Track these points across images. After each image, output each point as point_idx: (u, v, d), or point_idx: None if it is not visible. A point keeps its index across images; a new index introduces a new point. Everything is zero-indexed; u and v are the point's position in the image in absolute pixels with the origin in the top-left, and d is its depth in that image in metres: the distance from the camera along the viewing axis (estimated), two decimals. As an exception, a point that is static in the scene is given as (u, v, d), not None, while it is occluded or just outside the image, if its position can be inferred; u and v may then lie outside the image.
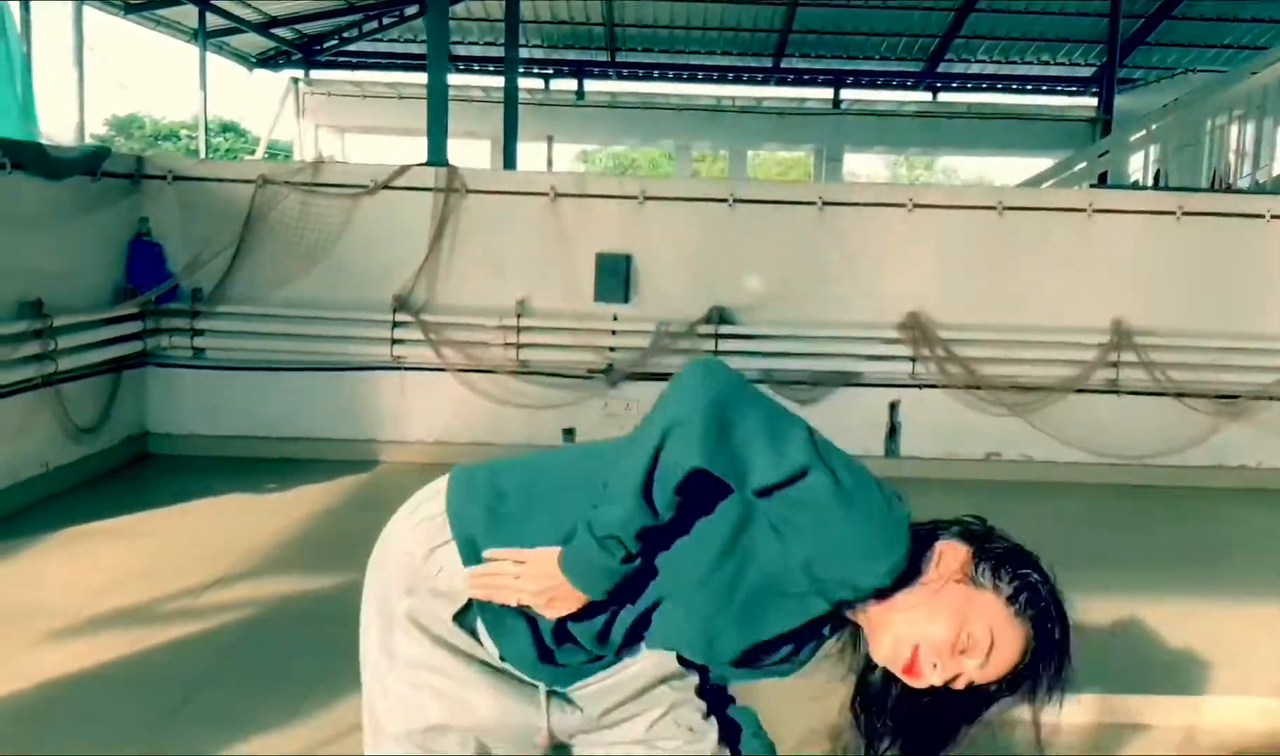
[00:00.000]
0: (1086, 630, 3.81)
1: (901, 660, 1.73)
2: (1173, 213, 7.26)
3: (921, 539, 1.77)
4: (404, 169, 7.37)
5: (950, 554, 1.78)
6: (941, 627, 1.71)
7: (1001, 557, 1.78)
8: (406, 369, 7.34)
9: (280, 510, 6.14)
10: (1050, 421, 7.34)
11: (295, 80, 18.46)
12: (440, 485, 1.91)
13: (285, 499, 6.38)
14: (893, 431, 7.47)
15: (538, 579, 1.74)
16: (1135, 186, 16.19)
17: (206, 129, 14.72)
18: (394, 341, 7.29)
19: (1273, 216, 7.26)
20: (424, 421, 7.40)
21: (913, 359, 7.32)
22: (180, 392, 7.29)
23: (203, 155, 14.14)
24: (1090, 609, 4.50)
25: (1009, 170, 26.46)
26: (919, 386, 7.38)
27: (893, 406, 7.44)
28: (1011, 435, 7.39)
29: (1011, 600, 1.72)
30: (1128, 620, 4.76)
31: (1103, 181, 12.27)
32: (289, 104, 18.28)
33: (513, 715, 1.86)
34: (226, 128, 38.06)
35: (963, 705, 1.80)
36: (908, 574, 1.73)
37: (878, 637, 1.77)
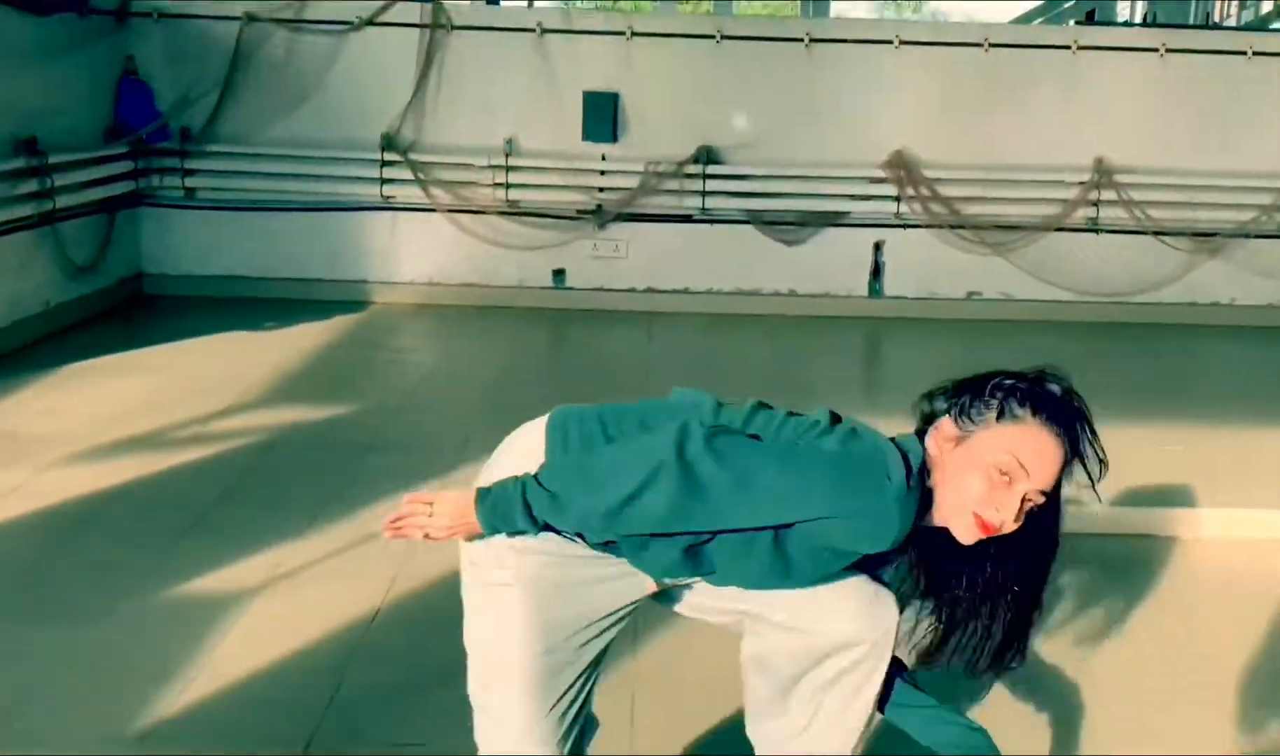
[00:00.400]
0: (1109, 434, 4.06)
1: (973, 530, 1.84)
2: (1156, 50, 7.30)
3: (916, 455, 1.87)
4: (390, 4, 7.31)
5: (935, 437, 1.88)
6: (974, 481, 1.81)
7: (970, 394, 1.88)
8: (396, 209, 7.41)
9: (279, 346, 6.28)
10: (1030, 260, 7.49)
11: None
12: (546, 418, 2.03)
13: (283, 336, 6.51)
14: (877, 271, 7.61)
15: (448, 515, 1.90)
16: (1125, 25, 16.09)
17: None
18: (383, 181, 7.34)
19: (1255, 53, 7.31)
20: (415, 262, 7.50)
21: (897, 198, 7.42)
22: (173, 233, 7.36)
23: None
24: (1107, 429, 4.76)
25: (999, 11, 26.06)
26: (903, 226, 7.50)
27: (877, 246, 7.57)
28: (992, 274, 7.55)
29: (1001, 416, 1.83)
30: (1124, 437, 4.98)
31: (1090, 19, 12.19)
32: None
33: (623, 591, 2.01)
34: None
35: (1037, 533, 1.89)
36: (925, 482, 1.86)
37: (952, 528, 1.87)
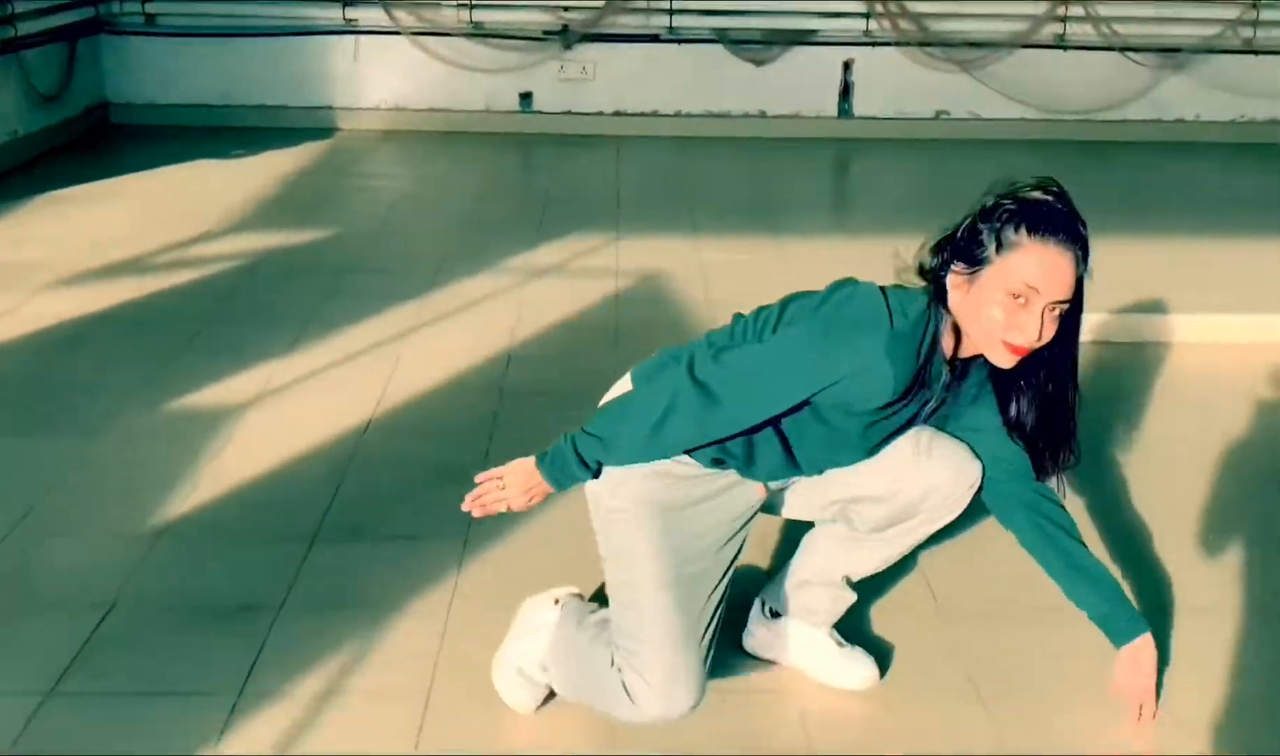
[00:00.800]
0: None
1: (1007, 355, 1.92)
2: None
3: (914, 300, 1.97)
4: None
5: (951, 287, 1.95)
6: (993, 313, 1.89)
7: (966, 235, 1.93)
8: (360, 32, 7.32)
9: (248, 173, 6.29)
10: (998, 78, 7.52)
11: None
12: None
13: (252, 163, 6.51)
14: (846, 91, 7.62)
15: (518, 485, 2.07)
16: None
17: None
18: (345, 3, 7.24)
19: None
20: (379, 87, 7.44)
21: (867, 15, 7.39)
22: (136, 60, 7.27)
23: None
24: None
25: None
26: (872, 44, 7.48)
27: (846, 65, 7.56)
28: (960, 92, 7.57)
29: (1000, 247, 1.89)
30: (1102, 249, 5.13)
31: None
32: None
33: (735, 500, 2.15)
34: None
35: (1064, 332, 1.96)
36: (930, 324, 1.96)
37: (991, 359, 1.96)
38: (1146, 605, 2.55)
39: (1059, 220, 1.89)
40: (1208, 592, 2.69)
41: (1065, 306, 1.91)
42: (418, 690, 2.26)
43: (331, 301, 4.39)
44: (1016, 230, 1.88)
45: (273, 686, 2.26)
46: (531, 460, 2.07)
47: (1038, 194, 1.92)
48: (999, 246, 1.89)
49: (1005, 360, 1.94)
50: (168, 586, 2.62)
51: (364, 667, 2.33)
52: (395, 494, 3.04)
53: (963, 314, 1.95)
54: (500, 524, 2.72)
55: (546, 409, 3.49)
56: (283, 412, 3.48)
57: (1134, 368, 4.04)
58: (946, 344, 1.98)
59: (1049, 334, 1.91)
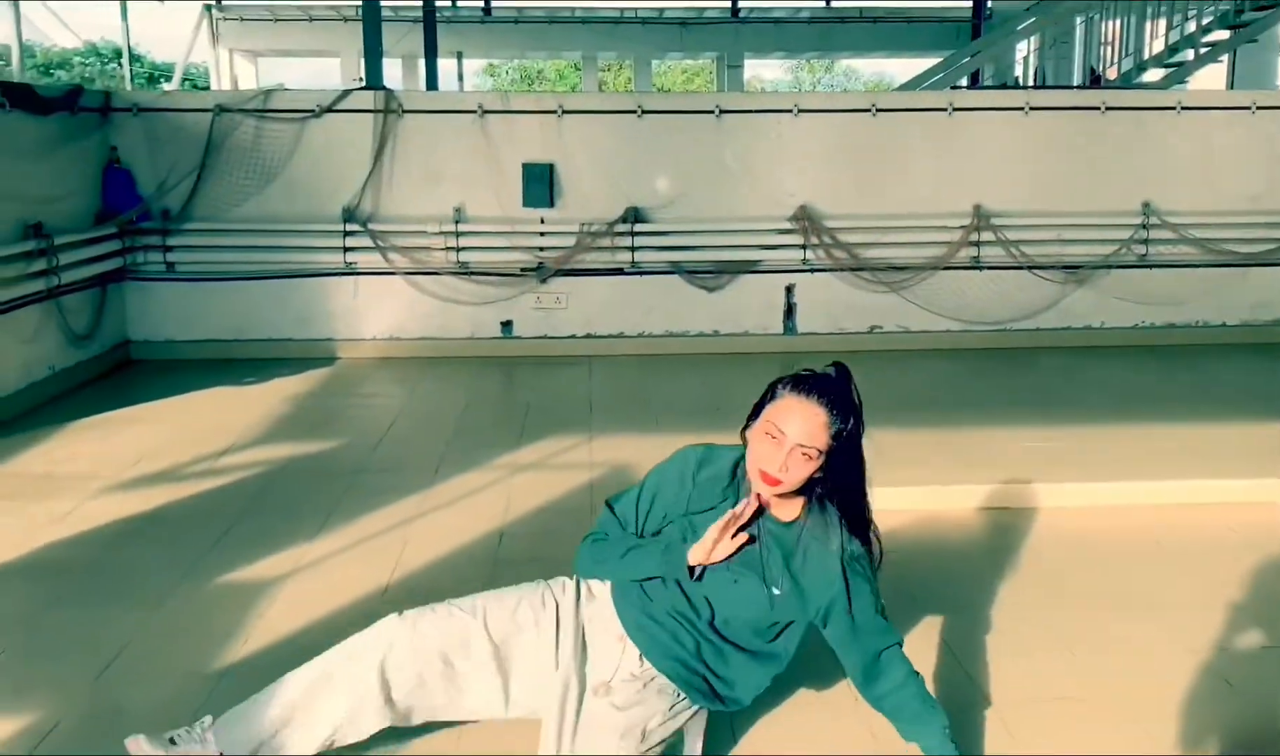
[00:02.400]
0: (962, 448, 5.08)
1: (760, 483, 2.58)
2: (1021, 108, 8.40)
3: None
4: (346, 93, 8.22)
5: (748, 438, 2.65)
6: (756, 448, 2.59)
7: (762, 399, 2.66)
8: (358, 273, 8.25)
9: (262, 397, 7.07)
10: (923, 296, 8.49)
11: (208, 7, 18.80)
12: None
13: (264, 389, 7.30)
14: (789, 311, 8.56)
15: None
16: (1016, 83, 17.44)
17: (132, 56, 15.15)
18: (346, 249, 8.18)
19: (1108, 108, 8.42)
20: (377, 320, 8.33)
21: (804, 246, 8.39)
22: (156, 303, 8.13)
23: (128, 86, 14.63)
24: (966, 436, 5.73)
25: (905, 69, 27.51)
26: (810, 270, 8.46)
27: (789, 289, 8.52)
28: (891, 309, 8.53)
29: (771, 400, 2.59)
30: (994, 441, 5.95)
31: (974, 81, 13.39)
32: (203, 30, 18.66)
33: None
34: (120, 53, 37.76)
35: (837, 470, 2.59)
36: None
37: (755, 485, 2.62)
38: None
39: (818, 383, 2.55)
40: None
41: (813, 449, 2.50)
42: (443, 767, 2.91)
43: (347, 497, 5.12)
44: (783, 388, 2.58)
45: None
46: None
47: (818, 369, 2.57)
48: (771, 399, 2.60)
49: (761, 488, 2.59)
50: (232, 707, 3.25)
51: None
52: (413, 639, 3.70)
53: (748, 459, 2.64)
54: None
55: (535, 572, 4.18)
56: (314, 583, 4.17)
57: (1023, 529, 4.79)
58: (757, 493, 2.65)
59: (794, 469, 2.51)
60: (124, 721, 3.19)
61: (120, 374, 7.79)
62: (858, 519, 2.71)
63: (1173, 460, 5.54)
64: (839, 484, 2.63)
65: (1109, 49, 13.58)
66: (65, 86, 7.38)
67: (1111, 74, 13.12)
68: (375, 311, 8.32)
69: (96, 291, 7.61)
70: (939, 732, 2.62)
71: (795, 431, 2.52)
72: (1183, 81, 11.27)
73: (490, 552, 4.48)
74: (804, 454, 2.51)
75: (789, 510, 2.69)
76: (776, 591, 2.65)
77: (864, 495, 2.70)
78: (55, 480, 5.43)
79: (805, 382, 2.57)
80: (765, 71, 48.28)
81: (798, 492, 2.65)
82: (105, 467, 5.58)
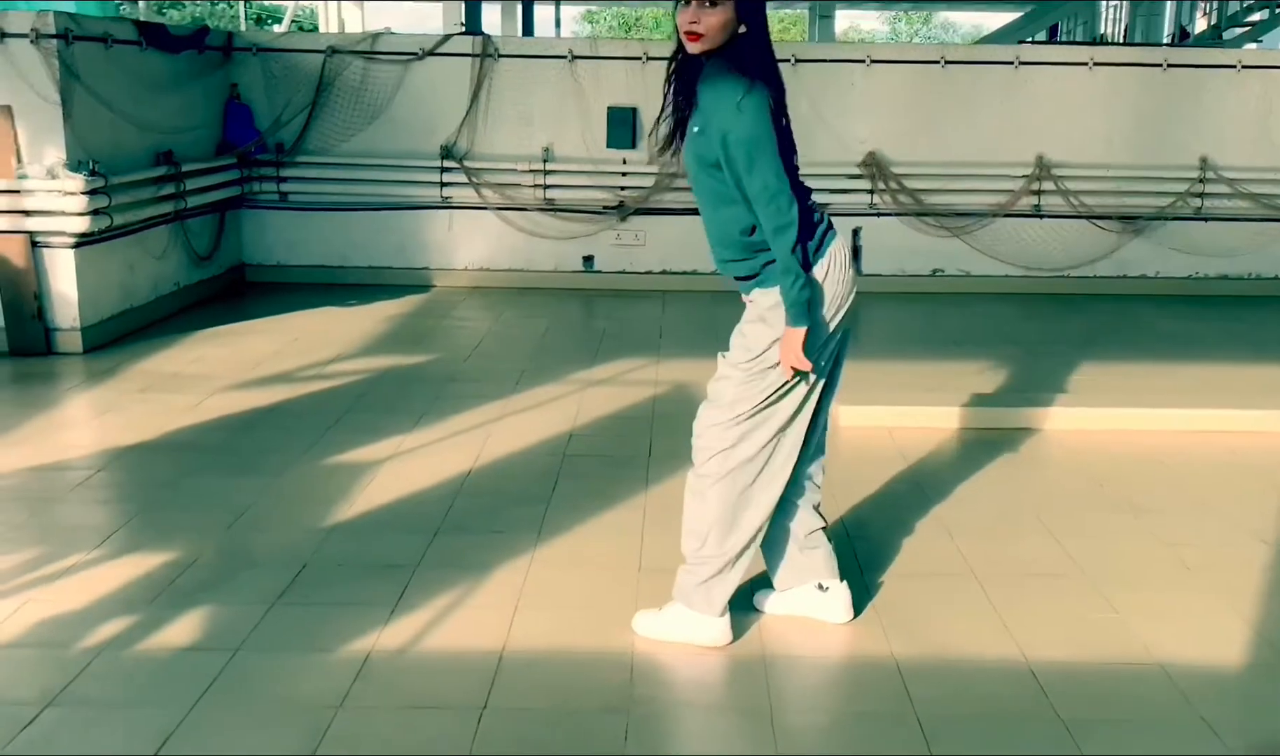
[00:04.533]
0: (1003, 376, 5.61)
1: (688, 44, 3.02)
2: (1085, 63, 8.73)
3: None
4: (447, 38, 8.85)
5: None
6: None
7: None
8: (453, 207, 8.90)
9: (364, 317, 7.79)
10: (984, 241, 8.91)
11: (318, -49, 19.55)
12: None
13: (367, 310, 8.01)
14: (856, 252, 8.94)
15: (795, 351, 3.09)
16: (1103, 38, 17.47)
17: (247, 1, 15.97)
18: (442, 184, 8.84)
19: (1170, 65, 8.72)
20: (468, 251, 9.00)
21: (871, 191, 8.85)
22: (269, 229, 8.89)
23: (242, 25, 15.45)
24: (1023, 365, 6.21)
25: (1002, 21, 27.37)
26: (877, 214, 8.91)
27: (855, 232, 8.94)
28: (953, 254, 8.97)
29: None
30: (1044, 368, 6.43)
31: (1053, 34, 13.58)
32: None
33: None
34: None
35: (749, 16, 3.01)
36: None
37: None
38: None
39: None
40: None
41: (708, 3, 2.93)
42: (504, 610, 3.55)
43: (439, 400, 5.79)
44: None
45: (413, 605, 3.55)
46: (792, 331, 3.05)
47: None
48: None
49: (689, 47, 3.02)
50: (341, 554, 3.94)
51: (469, 599, 3.62)
52: (489, 509, 4.36)
53: None
54: (562, 520, 4.06)
55: (597, 466, 4.85)
56: (410, 466, 4.83)
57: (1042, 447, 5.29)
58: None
59: (705, 19, 2.94)
60: (251, 560, 3.89)
61: (235, 293, 8.57)
62: (767, 63, 3.09)
63: (1195, 394, 5.97)
64: (751, 40, 3.05)
65: (1199, 8, 13.67)
66: (193, 26, 8.09)
67: (1200, 30, 13.21)
68: (467, 243, 8.97)
69: (216, 217, 8.37)
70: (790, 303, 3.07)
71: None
72: (1259, 39, 11.40)
73: (560, 448, 5.10)
74: (703, 5, 2.96)
75: None
76: (696, 128, 3.11)
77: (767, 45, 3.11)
78: (184, 378, 6.19)
79: None
80: (864, 22, 48.05)
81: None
82: (227, 369, 6.33)
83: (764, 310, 3.18)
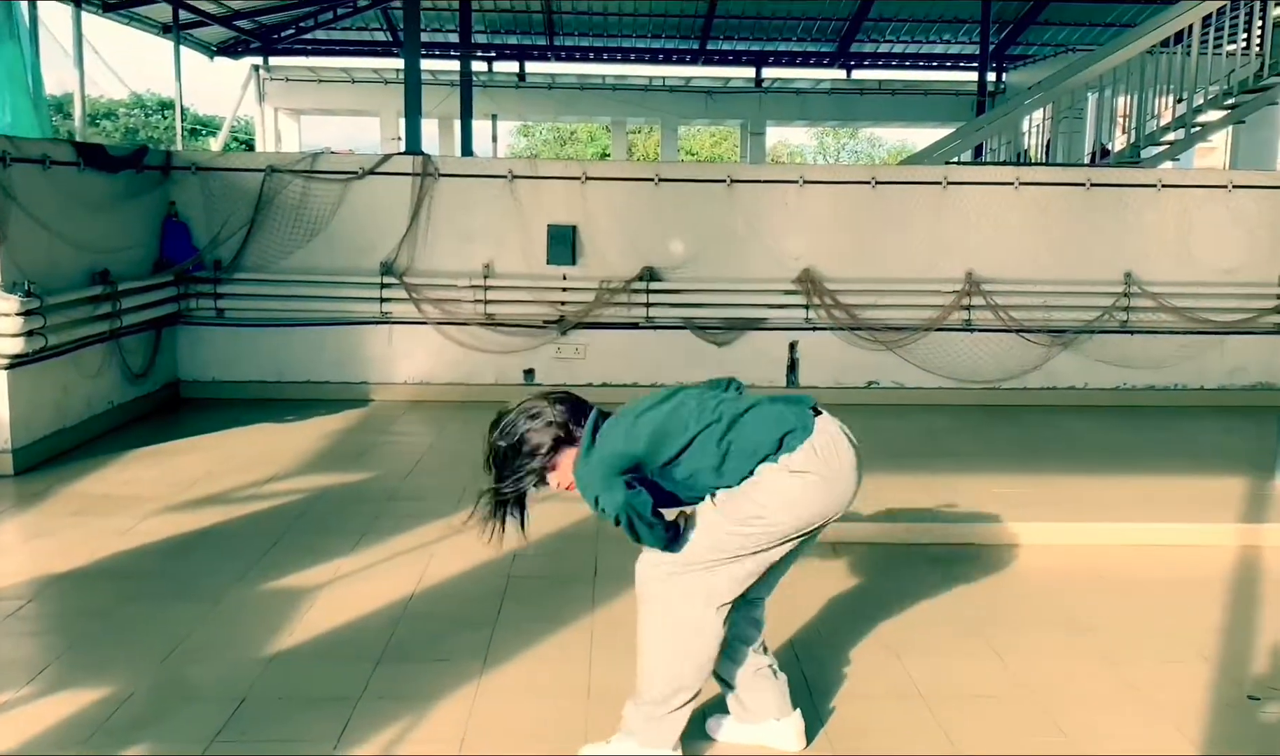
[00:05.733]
0: (944, 490, 5.67)
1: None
2: (1011, 183, 9.03)
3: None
4: (387, 157, 8.94)
5: None
6: None
7: None
8: (393, 323, 8.90)
9: (301, 433, 7.71)
10: (917, 355, 9.08)
11: (255, 67, 19.73)
12: None
13: (303, 426, 7.94)
14: (792, 366, 9.15)
15: None
16: (1025, 156, 18.05)
17: (182, 113, 15.97)
18: (382, 300, 8.85)
19: (1093, 184, 9.03)
20: (408, 365, 8.98)
21: (806, 306, 9.00)
22: (206, 346, 8.81)
23: (179, 144, 15.45)
24: (950, 482, 6.25)
25: (926, 138, 28.22)
26: (812, 329, 9.06)
27: (792, 345, 9.12)
28: (886, 366, 9.12)
29: None
30: (976, 484, 6.51)
31: (978, 153, 14.01)
32: (250, 89, 19.57)
33: None
34: (166, 105, 39.04)
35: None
36: None
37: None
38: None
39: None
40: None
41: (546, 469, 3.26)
42: (450, 744, 3.48)
43: (379, 520, 5.72)
44: None
45: (356, 740, 3.47)
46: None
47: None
48: None
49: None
50: (281, 686, 3.85)
51: (413, 733, 3.56)
52: (433, 634, 4.29)
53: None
54: (508, 645, 4.00)
55: (543, 587, 4.80)
56: (351, 590, 4.76)
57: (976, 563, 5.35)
58: None
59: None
60: (188, 695, 3.79)
61: (170, 410, 8.45)
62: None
63: (1132, 507, 6.09)
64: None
65: (1123, 123, 14.14)
66: (132, 146, 8.10)
67: (1119, 148, 13.68)
68: (407, 358, 8.96)
69: (152, 334, 8.29)
70: None
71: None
72: (1176, 158, 11.85)
73: (504, 568, 5.06)
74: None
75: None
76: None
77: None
78: (116, 500, 6.06)
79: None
80: (792, 137, 49.31)
81: None
82: (161, 490, 6.21)
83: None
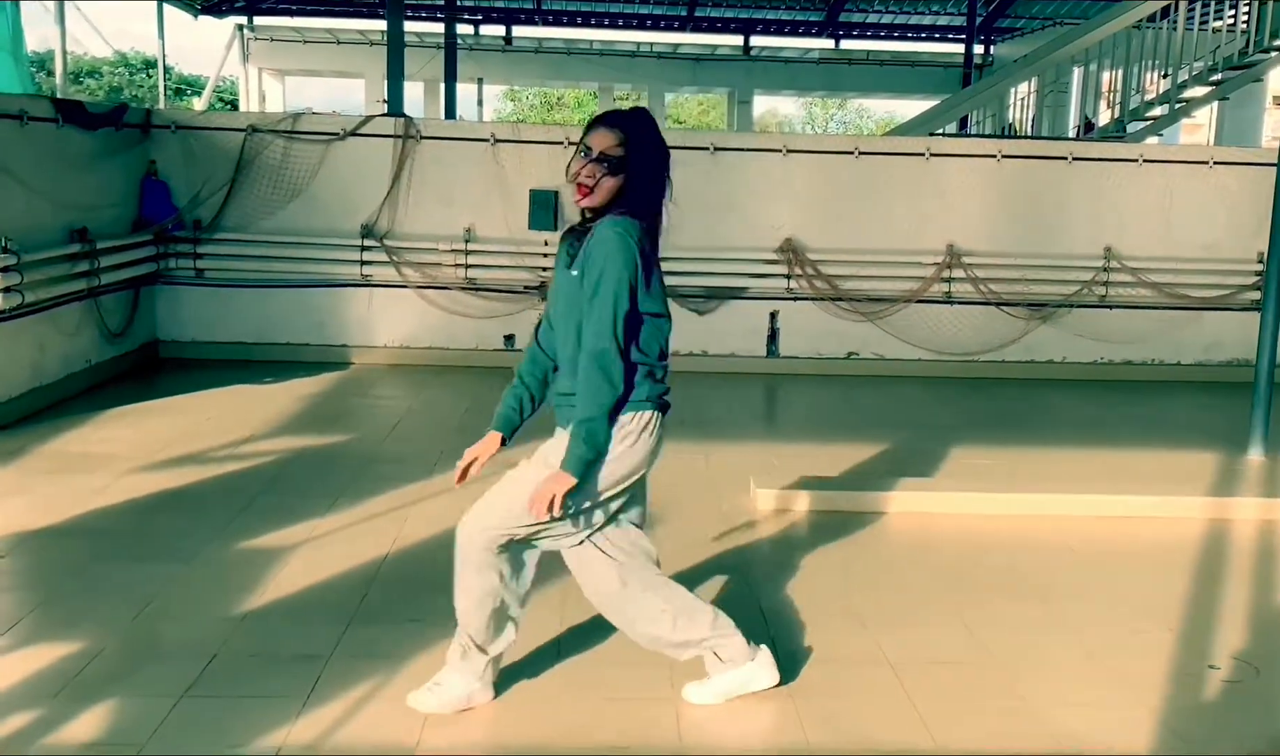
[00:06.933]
0: (922, 461, 5.73)
1: (578, 197, 3.28)
2: (994, 156, 9.04)
3: None
4: (369, 119, 8.89)
5: None
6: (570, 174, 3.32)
7: None
8: (374, 286, 8.89)
9: (279, 395, 7.71)
10: (897, 326, 9.11)
11: (240, 27, 19.56)
12: None
13: (281, 388, 7.94)
14: (773, 336, 9.17)
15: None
16: (1011, 129, 18.07)
17: (166, 73, 15.85)
18: (362, 263, 8.83)
19: (1074, 158, 9.05)
20: (388, 329, 8.97)
21: (788, 277, 9.02)
22: (185, 306, 8.79)
23: (161, 103, 15.34)
24: (928, 452, 6.31)
25: (914, 109, 28.16)
26: (793, 299, 9.08)
27: (772, 315, 9.14)
28: (867, 337, 9.15)
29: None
30: (951, 454, 6.56)
31: (963, 126, 14.01)
32: (234, 49, 19.41)
33: None
34: (150, 64, 38.73)
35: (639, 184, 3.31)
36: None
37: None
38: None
39: (616, 115, 3.30)
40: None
41: (613, 160, 3.20)
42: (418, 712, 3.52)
43: (356, 482, 5.74)
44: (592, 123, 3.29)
45: (325, 698, 3.50)
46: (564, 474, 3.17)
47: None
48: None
49: (579, 201, 3.27)
50: (252, 644, 3.87)
51: (383, 691, 3.58)
52: (405, 596, 4.32)
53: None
54: (480, 605, 4.03)
55: (515, 549, 4.81)
56: (325, 551, 4.78)
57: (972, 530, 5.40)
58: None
59: (599, 181, 3.19)
60: (158, 651, 3.81)
61: (148, 370, 8.43)
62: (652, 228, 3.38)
63: (1102, 479, 6.15)
64: (639, 197, 3.30)
65: (1108, 98, 14.16)
66: (111, 104, 8.06)
67: (1104, 123, 13.70)
68: (387, 321, 8.95)
69: (130, 293, 8.26)
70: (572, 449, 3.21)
71: (594, 143, 3.23)
72: (1160, 134, 11.88)
73: (478, 532, 5.07)
74: (604, 164, 3.20)
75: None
76: (574, 272, 3.26)
77: (659, 209, 3.42)
78: (92, 458, 6.06)
79: (606, 115, 3.32)
80: (781, 106, 49.15)
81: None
82: (136, 450, 6.21)
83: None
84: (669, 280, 8.66)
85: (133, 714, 3.35)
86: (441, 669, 3.49)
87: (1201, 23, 11.78)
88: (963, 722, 3.47)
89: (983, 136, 13.68)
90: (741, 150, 9.05)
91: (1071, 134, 15.93)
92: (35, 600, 4.23)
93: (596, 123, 3.30)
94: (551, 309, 3.45)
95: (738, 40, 22.02)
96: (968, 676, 3.82)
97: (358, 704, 3.46)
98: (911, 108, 27.92)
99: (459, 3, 19.01)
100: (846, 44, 22.12)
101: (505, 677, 3.62)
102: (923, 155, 9.00)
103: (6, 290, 6.46)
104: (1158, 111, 11.64)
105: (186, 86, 38.03)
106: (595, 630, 3.91)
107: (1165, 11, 11.63)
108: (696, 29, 22.14)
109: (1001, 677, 3.81)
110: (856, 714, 3.52)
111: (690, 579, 4.58)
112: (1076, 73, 15.48)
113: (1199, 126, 22.80)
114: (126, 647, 3.83)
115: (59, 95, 11.10)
